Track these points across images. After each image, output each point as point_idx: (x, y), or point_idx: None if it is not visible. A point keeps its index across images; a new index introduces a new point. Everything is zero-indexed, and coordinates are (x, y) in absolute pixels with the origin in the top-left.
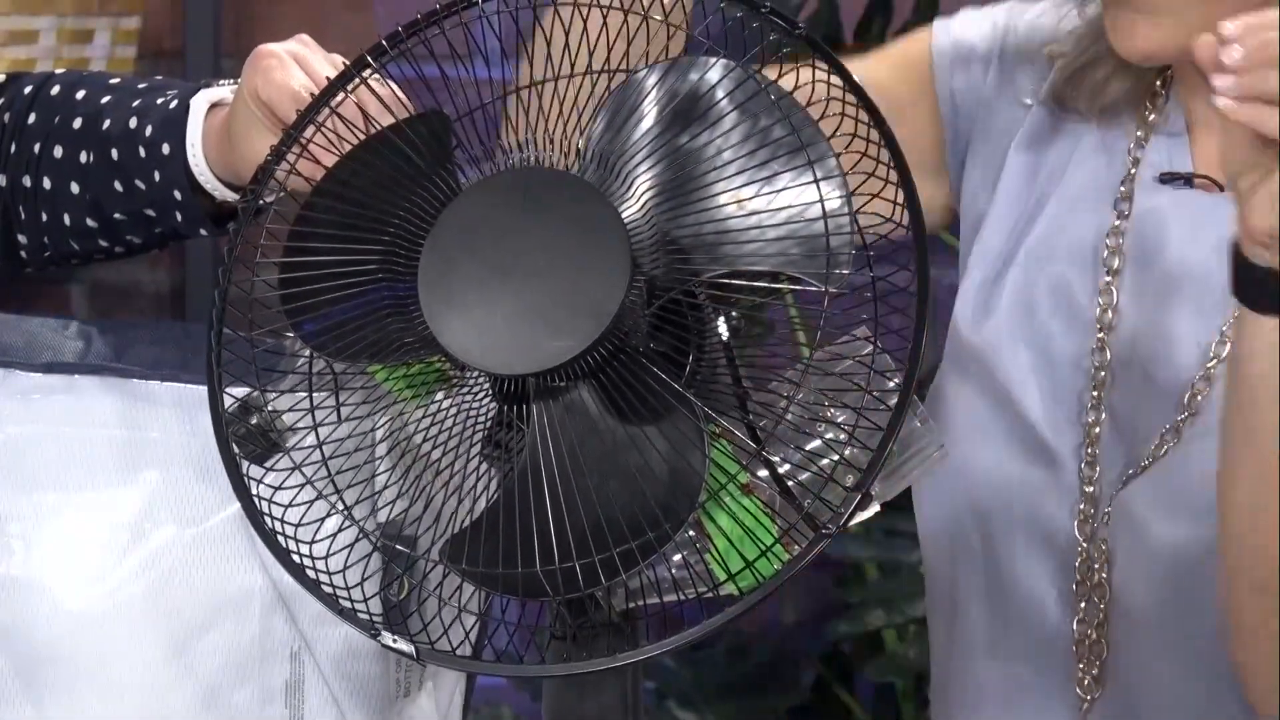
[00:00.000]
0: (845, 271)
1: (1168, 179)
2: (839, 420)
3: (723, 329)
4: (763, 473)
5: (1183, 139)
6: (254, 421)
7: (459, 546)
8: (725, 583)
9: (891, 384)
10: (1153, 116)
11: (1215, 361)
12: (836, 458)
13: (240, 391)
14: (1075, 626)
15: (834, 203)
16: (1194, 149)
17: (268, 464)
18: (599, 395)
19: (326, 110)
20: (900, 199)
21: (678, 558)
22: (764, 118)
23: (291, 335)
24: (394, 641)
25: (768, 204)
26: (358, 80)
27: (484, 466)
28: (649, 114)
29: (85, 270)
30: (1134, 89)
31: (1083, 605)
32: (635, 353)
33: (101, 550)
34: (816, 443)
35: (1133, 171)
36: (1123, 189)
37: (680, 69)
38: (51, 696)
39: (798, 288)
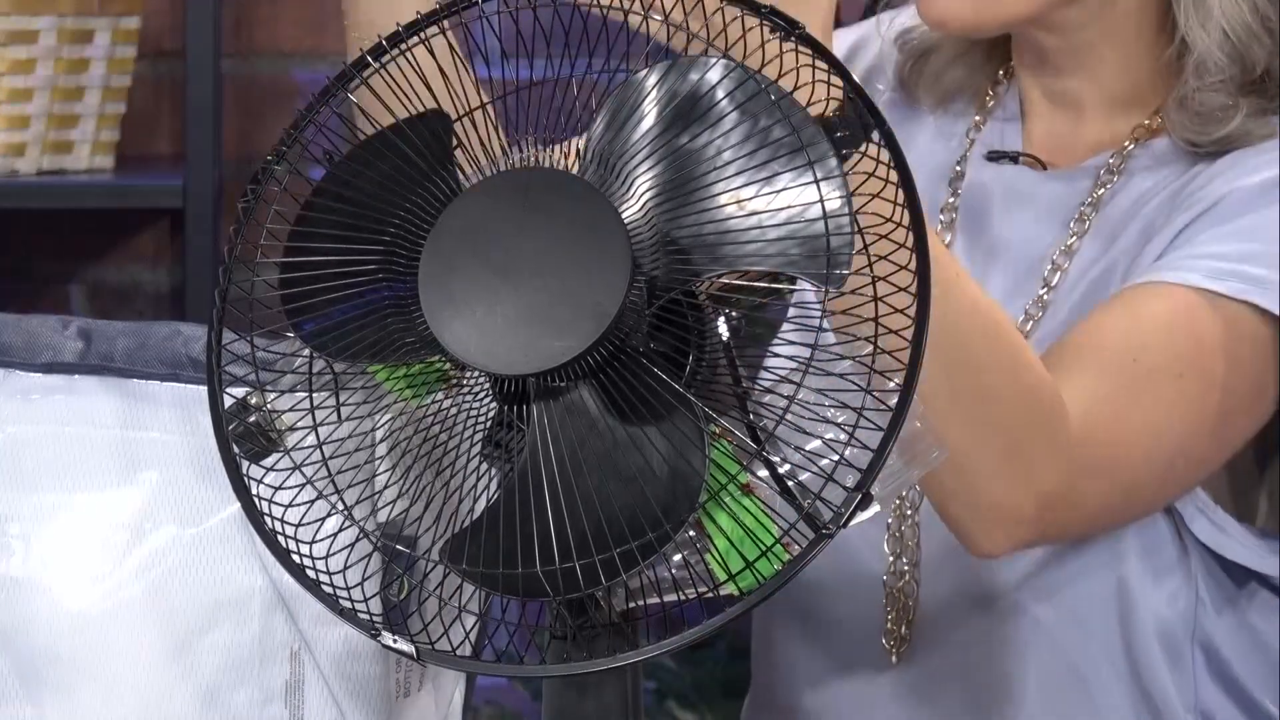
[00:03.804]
0: (845, 271)
1: (995, 156)
2: (839, 420)
3: (723, 329)
4: (763, 473)
5: (1016, 123)
6: (252, 419)
7: (459, 546)
8: (725, 583)
9: (891, 384)
10: (991, 103)
11: (1030, 326)
12: (836, 458)
13: (240, 392)
14: (885, 577)
15: (834, 203)
16: (1025, 132)
17: (266, 463)
18: (599, 395)
19: (326, 110)
20: (900, 199)
21: (678, 558)
22: (764, 118)
23: (291, 335)
24: (394, 642)
25: (768, 204)
26: (358, 81)
27: (484, 466)
28: (649, 114)
29: (85, 270)
30: (972, 78)
31: (890, 558)
32: (635, 353)
33: (101, 550)
34: (816, 443)
35: (967, 152)
36: (958, 167)
37: (680, 69)
38: (51, 696)
39: (798, 288)
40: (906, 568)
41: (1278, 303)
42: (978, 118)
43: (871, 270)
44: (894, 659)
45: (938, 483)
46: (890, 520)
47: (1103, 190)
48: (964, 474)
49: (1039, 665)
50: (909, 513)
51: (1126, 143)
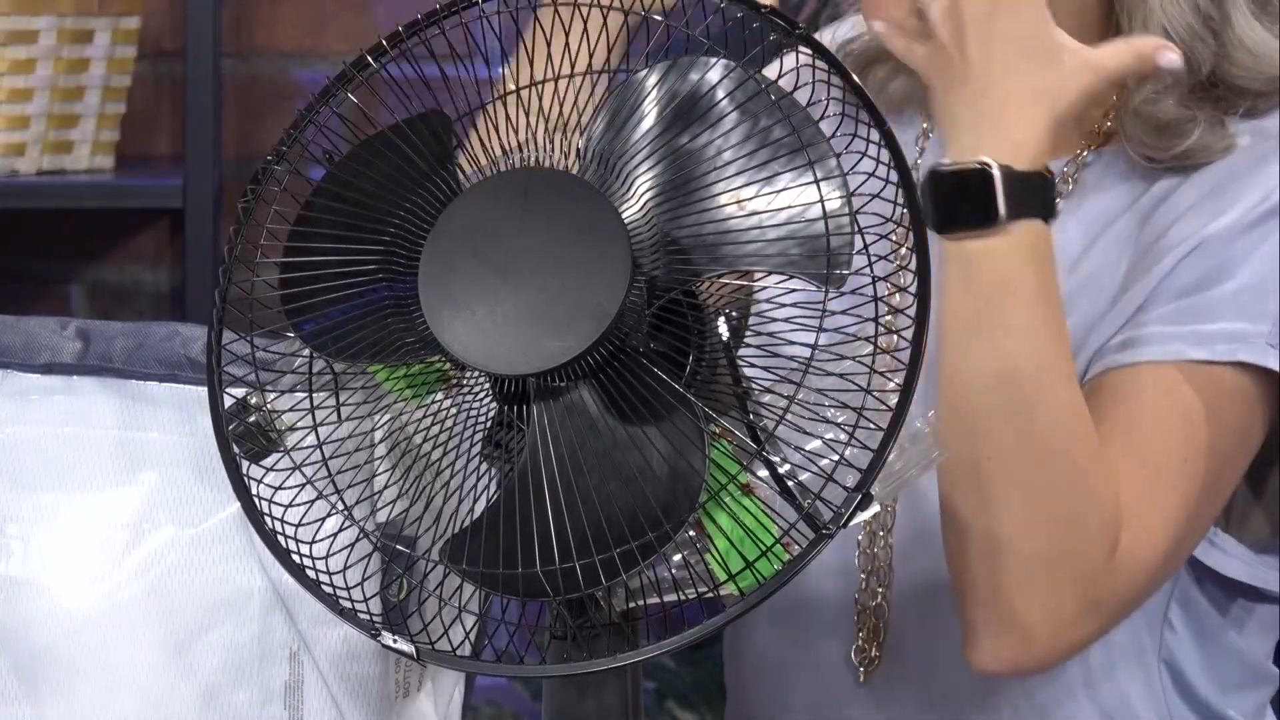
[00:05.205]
0: (845, 271)
1: None
2: (839, 420)
3: (723, 329)
4: (763, 473)
5: None
6: (252, 419)
7: (459, 546)
8: (725, 583)
9: (892, 384)
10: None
11: None
12: (836, 458)
13: (241, 393)
14: (856, 595)
15: (834, 203)
16: None
17: (267, 463)
18: (599, 395)
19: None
20: (900, 199)
21: (678, 558)
22: (764, 118)
23: (291, 335)
24: (394, 642)
25: (768, 204)
26: (358, 81)
27: (484, 466)
28: (649, 114)
29: (85, 270)
30: (916, 88)
31: (863, 576)
32: (635, 353)
33: (101, 550)
34: (816, 443)
35: (918, 161)
36: None
37: (680, 69)
38: (51, 696)
39: (798, 288)
40: (879, 588)
41: (1266, 355)
42: (925, 125)
43: (871, 270)
44: (861, 678)
45: (965, 571)
46: (861, 538)
47: (1059, 201)
48: (996, 569)
49: (1008, 688)
50: (881, 533)
51: (1079, 150)
